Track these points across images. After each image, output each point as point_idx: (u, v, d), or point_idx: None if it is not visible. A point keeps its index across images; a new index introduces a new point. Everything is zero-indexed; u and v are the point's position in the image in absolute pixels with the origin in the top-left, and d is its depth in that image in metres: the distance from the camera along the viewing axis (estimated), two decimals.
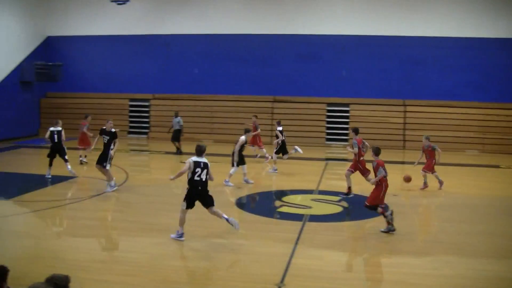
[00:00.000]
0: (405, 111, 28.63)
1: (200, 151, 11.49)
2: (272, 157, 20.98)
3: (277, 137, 21.05)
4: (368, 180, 13.87)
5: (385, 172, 12.17)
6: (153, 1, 30.75)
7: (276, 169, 20.47)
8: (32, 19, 31.60)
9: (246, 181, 17.75)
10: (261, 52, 30.06)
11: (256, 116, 24.05)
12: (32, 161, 19.70)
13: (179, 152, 24.48)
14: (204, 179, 11.39)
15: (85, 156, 21.71)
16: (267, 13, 29.69)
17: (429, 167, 17.32)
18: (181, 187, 16.97)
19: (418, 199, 16.48)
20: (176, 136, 24.81)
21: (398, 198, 15.91)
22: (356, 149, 15.58)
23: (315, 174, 19.98)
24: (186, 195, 11.43)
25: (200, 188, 11.42)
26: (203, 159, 11.45)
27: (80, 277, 9.04)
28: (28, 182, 18.20)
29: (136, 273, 9.46)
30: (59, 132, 18.66)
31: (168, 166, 21.77)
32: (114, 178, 16.40)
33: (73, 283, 5.21)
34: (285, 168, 18.77)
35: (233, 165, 17.46)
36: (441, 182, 17.33)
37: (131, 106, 31.94)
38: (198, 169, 11.29)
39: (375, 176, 12.23)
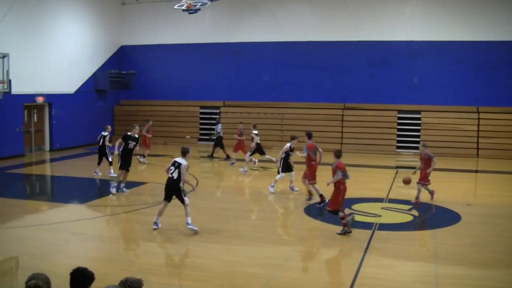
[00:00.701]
0: (478, 118, 27.91)
1: (182, 152, 12.76)
2: (252, 160, 22.10)
3: (252, 140, 21.79)
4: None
5: (345, 175, 12.38)
6: (224, 9, 31.15)
7: (246, 170, 21.52)
8: (106, 29, 32.67)
9: (292, 188, 17.66)
10: (332, 59, 29.96)
11: (242, 123, 24.59)
12: (104, 167, 20.32)
13: (227, 157, 25.11)
14: (174, 177, 12.57)
15: (144, 157, 22.71)
16: (338, 20, 29.59)
17: (423, 178, 16.29)
18: (252, 194, 17.19)
19: (493, 209, 16.05)
20: (219, 142, 25.34)
21: (472, 207, 15.61)
22: (304, 154, 15.91)
23: (385, 182, 19.78)
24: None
25: (169, 184, 12.70)
26: (179, 160, 12.62)
27: (152, 281, 9.32)
28: (101, 187, 18.82)
29: (206, 279, 9.65)
30: (103, 137, 20.12)
31: (238, 173, 21.98)
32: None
33: (145, 286, 5.40)
34: (354, 175, 18.61)
35: (278, 172, 17.39)
36: (431, 192, 16.43)
37: (202, 113, 32.43)
38: (172, 168, 12.64)
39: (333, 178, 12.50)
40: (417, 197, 16.20)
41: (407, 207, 15.47)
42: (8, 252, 11.34)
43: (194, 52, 32.48)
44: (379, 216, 14.49)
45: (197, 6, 24.19)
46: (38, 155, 27.12)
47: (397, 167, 24.57)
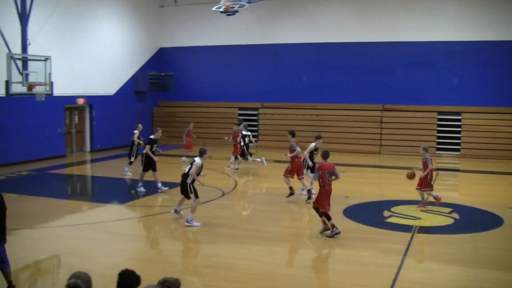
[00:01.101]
0: None
1: (199, 153, 13.68)
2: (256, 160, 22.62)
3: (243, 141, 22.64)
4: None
5: (331, 175, 12.40)
6: (261, 11, 31.17)
7: (237, 168, 22.43)
8: (146, 31, 33.04)
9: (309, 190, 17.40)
10: (370, 60, 29.72)
11: (237, 125, 24.30)
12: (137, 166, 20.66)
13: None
14: (185, 172, 13.62)
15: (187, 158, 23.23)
16: (376, 21, 29.33)
17: (420, 183, 15.68)
18: (292, 196, 17.16)
19: None
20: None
21: None
22: (299, 150, 16.60)
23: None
24: None
25: (181, 179, 13.74)
26: (196, 158, 13.59)
27: (190, 281, 9.39)
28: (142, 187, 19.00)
29: (244, 280, 9.67)
30: (133, 134, 21.09)
31: (276, 174, 21.97)
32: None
33: (183, 286, 5.44)
34: (393, 178, 18.47)
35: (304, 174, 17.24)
36: (424, 203, 15.66)
37: (240, 114, 32.47)
38: (189, 165, 13.68)
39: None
40: (423, 201, 15.70)
41: (448, 209, 15.26)
42: (50, 251, 11.55)
43: (232, 54, 32.61)
44: (419, 218, 14.32)
45: (235, 8, 24.29)
46: (79, 156, 27.56)
47: (437, 169, 24.23)
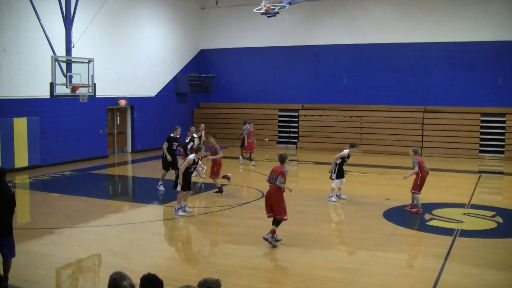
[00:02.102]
0: None
1: (195, 149, 14.99)
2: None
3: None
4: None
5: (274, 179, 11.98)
6: (302, 12, 31.14)
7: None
8: (187, 33, 33.30)
9: (338, 196, 17.15)
10: (412, 61, 29.40)
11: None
12: None
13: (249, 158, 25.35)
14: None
15: (251, 160, 23.19)
16: (419, 21, 28.98)
17: (413, 185, 15.34)
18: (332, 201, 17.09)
19: None
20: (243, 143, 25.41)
21: None
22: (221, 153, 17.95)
23: (467, 187, 19.23)
24: None
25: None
26: (191, 155, 14.72)
27: (230, 282, 9.41)
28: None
29: (284, 282, 9.68)
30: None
31: (317, 176, 21.91)
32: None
33: (222, 287, 5.44)
34: (434, 180, 18.23)
35: (332, 178, 17.00)
36: (412, 206, 15.34)
37: (280, 116, 32.48)
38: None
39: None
40: (415, 205, 15.30)
41: (491, 213, 14.98)
42: (92, 250, 11.73)
43: (272, 55, 32.63)
44: (461, 222, 14.09)
45: (276, 10, 24.32)
46: (120, 156, 27.91)
47: (480, 172, 23.85)
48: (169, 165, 18.44)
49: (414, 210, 15.21)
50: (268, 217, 12.06)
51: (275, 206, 11.88)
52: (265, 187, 18.10)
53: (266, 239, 11.73)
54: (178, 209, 14.74)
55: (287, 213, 12.04)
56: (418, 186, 15.23)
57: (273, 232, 11.80)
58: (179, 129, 19.11)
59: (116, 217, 15.18)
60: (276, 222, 11.88)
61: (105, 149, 26.98)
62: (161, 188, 18.46)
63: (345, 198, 17.06)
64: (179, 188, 14.54)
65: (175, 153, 18.75)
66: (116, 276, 5.43)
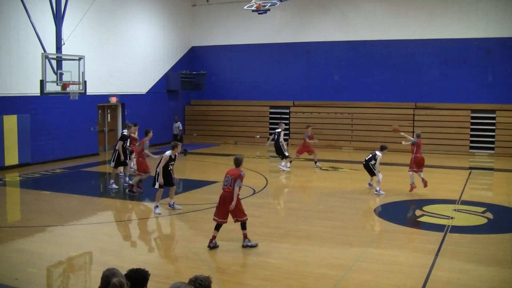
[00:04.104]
0: None
1: (171, 146, 14.64)
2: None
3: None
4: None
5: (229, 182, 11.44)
6: (293, 9, 31.14)
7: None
8: (178, 30, 33.25)
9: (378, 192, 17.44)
10: (403, 58, 29.47)
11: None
12: (175, 167, 20.65)
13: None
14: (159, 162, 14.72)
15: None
16: (410, 18, 29.06)
17: (410, 165, 17.65)
18: (322, 194, 17.12)
19: None
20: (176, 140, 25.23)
21: None
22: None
23: (457, 184, 19.32)
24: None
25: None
26: (168, 151, 14.57)
27: (221, 279, 9.43)
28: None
29: (275, 279, 9.67)
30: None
31: (307, 173, 21.94)
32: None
33: (213, 284, 5.44)
34: (425, 176, 18.29)
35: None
36: (412, 184, 17.45)
37: (272, 113, 32.48)
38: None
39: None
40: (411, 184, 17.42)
41: (481, 209, 15.05)
42: (83, 248, 11.70)
43: (264, 52, 32.63)
44: (452, 218, 14.15)
45: (267, 7, 24.31)
46: (111, 154, 27.77)
47: (471, 168, 23.96)
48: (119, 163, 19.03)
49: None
50: (219, 223, 11.63)
51: (234, 210, 11.48)
52: (255, 183, 18.16)
53: (246, 246, 11.48)
54: (156, 207, 14.75)
55: (245, 213, 11.76)
56: (413, 165, 17.48)
57: (245, 236, 11.59)
58: (132, 127, 19.68)
59: (107, 215, 15.16)
60: (242, 226, 11.60)
61: (96, 147, 26.90)
62: (114, 186, 18.62)
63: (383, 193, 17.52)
64: (157, 185, 14.57)
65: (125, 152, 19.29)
66: (108, 273, 5.43)
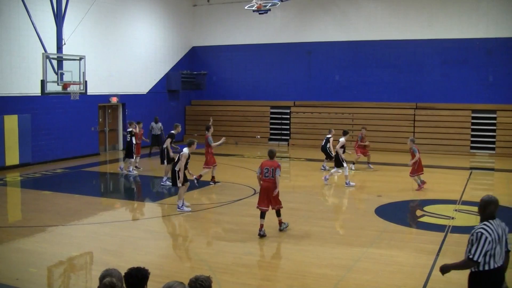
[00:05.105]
0: None
1: (187, 143, 14.93)
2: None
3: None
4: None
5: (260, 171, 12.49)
6: (294, 9, 31.14)
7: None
8: (179, 30, 33.25)
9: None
10: (404, 58, 29.45)
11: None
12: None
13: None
14: (175, 161, 15.14)
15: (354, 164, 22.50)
16: (411, 18, 29.05)
17: (412, 170, 17.91)
18: (323, 195, 17.10)
19: None
20: (157, 140, 25.33)
21: None
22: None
23: (458, 184, 19.30)
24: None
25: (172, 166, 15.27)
26: (184, 148, 14.82)
27: (223, 279, 9.42)
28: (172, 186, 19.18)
29: (276, 279, 9.69)
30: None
31: (308, 173, 21.94)
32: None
33: (214, 284, 5.45)
34: (426, 177, 18.30)
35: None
36: (422, 183, 17.97)
37: (272, 113, 32.48)
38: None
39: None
40: (418, 185, 17.90)
41: None
42: (84, 247, 11.71)
43: (264, 52, 32.62)
44: (452, 218, 14.15)
45: (268, 7, 24.31)
46: (112, 154, 27.85)
47: (471, 168, 23.95)
48: (170, 160, 18.30)
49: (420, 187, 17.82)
50: (264, 211, 12.32)
51: (275, 198, 12.44)
52: (256, 184, 18.11)
53: (282, 229, 12.63)
54: (182, 205, 14.83)
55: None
56: (417, 169, 17.79)
57: (280, 221, 12.67)
58: (180, 126, 19.79)
59: (108, 215, 15.16)
60: (278, 213, 12.62)
61: (96, 147, 26.90)
62: (168, 182, 18.40)
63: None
64: (179, 184, 14.63)
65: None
66: (105, 273, 5.46)
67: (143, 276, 5.44)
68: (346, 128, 29.34)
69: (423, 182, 18.00)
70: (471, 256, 6.76)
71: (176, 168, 14.66)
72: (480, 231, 6.74)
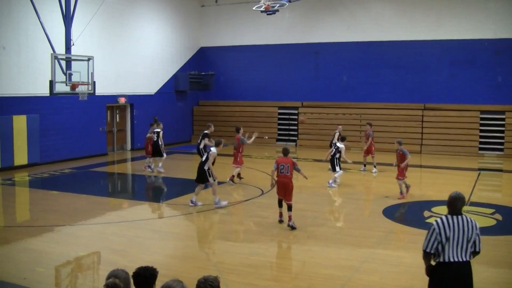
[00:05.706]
0: None
1: (215, 143, 15.63)
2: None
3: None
4: None
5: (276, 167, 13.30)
6: (302, 10, 31.11)
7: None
8: (186, 31, 33.30)
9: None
10: (412, 59, 29.38)
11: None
12: (184, 166, 20.85)
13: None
14: (203, 160, 15.43)
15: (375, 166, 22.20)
16: (418, 19, 28.96)
17: (400, 173, 16.80)
18: (330, 195, 17.08)
19: None
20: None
21: None
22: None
23: (466, 185, 19.22)
24: None
25: (199, 165, 15.40)
26: (212, 148, 15.41)
27: (229, 280, 9.42)
28: (181, 186, 19.20)
29: (283, 279, 9.67)
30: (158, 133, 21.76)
31: (315, 174, 21.91)
32: None
33: (221, 284, 5.45)
34: (434, 177, 18.25)
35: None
36: (407, 189, 17.06)
37: (280, 114, 32.48)
38: (206, 153, 15.67)
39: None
40: (401, 192, 16.80)
41: (490, 210, 14.99)
42: (91, 247, 11.74)
43: (272, 53, 32.63)
44: None
45: (276, 7, 24.27)
46: (120, 154, 27.92)
47: (480, 169, 23.86)
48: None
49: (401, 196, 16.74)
50: (281, 199, 13.38)
51: (289, 194, 13.17)
52: (263, 184, 18.13)
53: (290, 226, 12.88)
54: (218, 200, 15.42)
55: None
56: (404, 173, 16.80)
57: (290, 218, 13.00)
58: (212, 126, 20.69)
59: (115, 215, 15.19)
60: (289, 208, 13.07)
61: (104, 147, 26.98)
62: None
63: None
64: (211, 180, 15.20)
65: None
66: (112, 274, 5.47)
67: (151, 275, 5.46)
68: (353, 128, 29.48)
69: (408, 188, 17.14)
70: (423, 247, 6.99)
71: (206, 167, 15.14)
72: (432, 223, 6.90)
